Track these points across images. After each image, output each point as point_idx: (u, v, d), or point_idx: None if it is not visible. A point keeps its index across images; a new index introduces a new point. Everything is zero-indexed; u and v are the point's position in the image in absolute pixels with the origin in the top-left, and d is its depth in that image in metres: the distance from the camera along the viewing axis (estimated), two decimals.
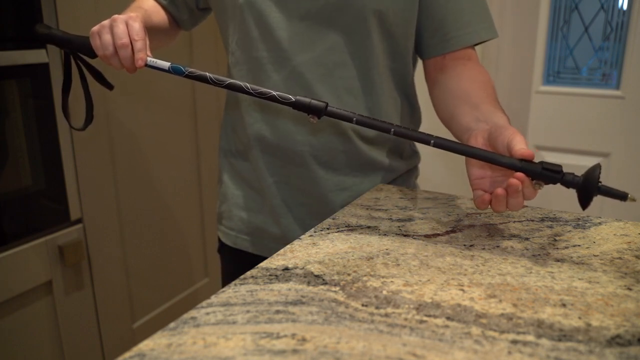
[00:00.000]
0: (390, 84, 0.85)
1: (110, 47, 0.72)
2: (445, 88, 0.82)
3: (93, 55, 0.78)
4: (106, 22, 0.73)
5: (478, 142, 0.68)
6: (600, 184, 0.58)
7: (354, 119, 0.67)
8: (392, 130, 0.66)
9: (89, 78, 0.83)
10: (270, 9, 0.77)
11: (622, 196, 0.58)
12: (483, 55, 1.78)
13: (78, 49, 0.79)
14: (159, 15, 0.90)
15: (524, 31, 1.78)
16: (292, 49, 0.78)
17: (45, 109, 1.13)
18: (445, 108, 0.81)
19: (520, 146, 0.61)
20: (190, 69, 0.72)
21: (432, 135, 0.65)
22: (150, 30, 0.83)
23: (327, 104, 0.68)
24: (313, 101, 0.68)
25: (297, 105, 0.68)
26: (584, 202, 0.59)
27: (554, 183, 0.60)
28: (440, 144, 0.65)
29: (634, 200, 0.59)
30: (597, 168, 0.59)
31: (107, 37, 0.73)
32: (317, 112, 0.68)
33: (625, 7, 1.65)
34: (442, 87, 0.83)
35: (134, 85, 1.34)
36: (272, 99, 0.69)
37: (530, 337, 0.46)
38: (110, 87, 0.84)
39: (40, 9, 1.09)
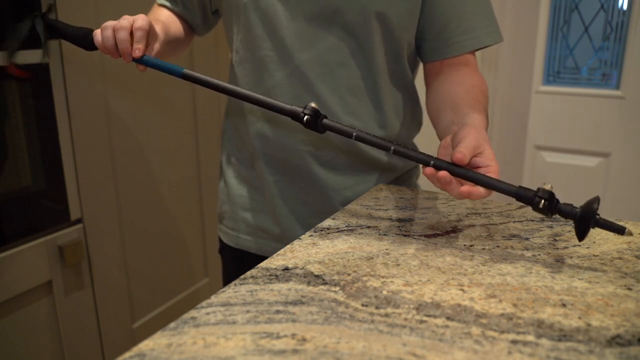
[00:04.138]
0: (391, 84, 0.85)
1: (110, 28, 0.75)
2: (436, 93, 0.83)
3: (91, 46, 0.79)
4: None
5: (447, 142, 0.67)
6: (598, 217, 0.58)
7: (354, 134, 0.67)
8: (392, 149, 0.66)
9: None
10: (275, 7, 0.78)
11: (619, 230, 0.58)
12: (483, 56, 1.78)
13: (76, 38, 0.81)
14: (176, 25, 0.91)
15: (524, 31, 1.78)
16: (295, 47, 0.79)
17: (45, 109, 1.13)
18: (432, 112, 0.82)
19: (459, 149, 0.60)
20: (200, 75, 0.74)
21: (432, 157, 0.64)
22: (170, 42, 0.86)
23: (322, 115, 0.69)
24: (305, 111, 0.68)
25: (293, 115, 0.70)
26: (580, 233, 0.59)
27: (549, 215, 0.59)
28: (440, 166, 0.62)
29: (631, 234, 0.59)
30: (595, 201, 0.58)
31: (110, 22, 0.75)
32: (313, 124, 0.69)
33: (625, 7, 1.65)
34: (433, 92, 0.84)
35: (134, 85, 1.34)
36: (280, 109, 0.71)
37: (530, 337, 0.46)
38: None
39: (40, 9, 1.09)
